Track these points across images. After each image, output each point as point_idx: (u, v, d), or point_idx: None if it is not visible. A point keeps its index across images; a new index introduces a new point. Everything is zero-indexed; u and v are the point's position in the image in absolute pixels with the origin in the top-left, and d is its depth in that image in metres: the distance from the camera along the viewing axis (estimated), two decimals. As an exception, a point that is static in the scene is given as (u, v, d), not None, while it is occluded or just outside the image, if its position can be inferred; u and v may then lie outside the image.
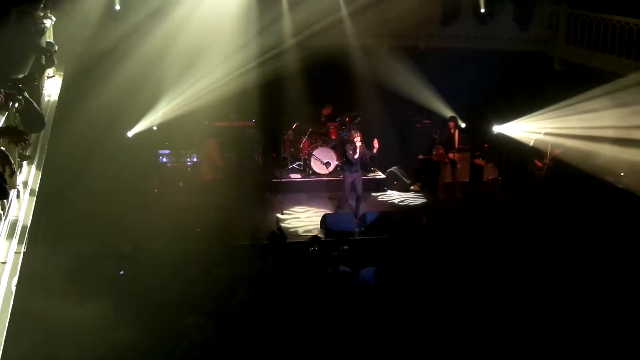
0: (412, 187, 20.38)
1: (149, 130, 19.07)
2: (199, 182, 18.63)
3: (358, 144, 17.10)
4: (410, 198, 19.79)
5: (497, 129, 20.90)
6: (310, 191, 19.55)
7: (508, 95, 20.93)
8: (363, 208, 17.86)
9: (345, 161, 17.40)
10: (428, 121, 21.40)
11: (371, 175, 20.21)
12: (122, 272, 12.55)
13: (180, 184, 18.89)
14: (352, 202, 17.95)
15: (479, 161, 20.69)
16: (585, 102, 18.27)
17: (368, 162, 18.64)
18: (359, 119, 20.62)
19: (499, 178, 21.37)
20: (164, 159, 19.44)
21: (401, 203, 19.41)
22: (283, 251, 13.64)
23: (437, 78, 20.19)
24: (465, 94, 20.35)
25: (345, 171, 17.64)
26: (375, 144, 17.08)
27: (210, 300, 11.44)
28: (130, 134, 18.74)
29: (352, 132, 17.62)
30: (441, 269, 13.20)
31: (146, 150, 19.03)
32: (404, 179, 20.48)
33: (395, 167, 20.67)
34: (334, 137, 20.55)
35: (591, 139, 17.99)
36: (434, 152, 19.90)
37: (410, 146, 21.41)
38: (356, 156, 17.03)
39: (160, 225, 15.94)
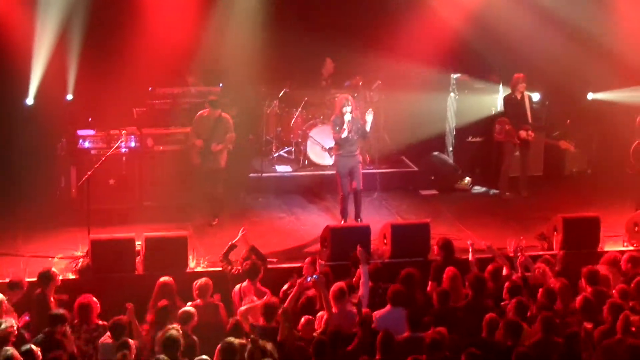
0: (460, 182, 18.27)
1: (60, 98, 17.53)
2: None
3: (348, 115, 15.14)
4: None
5: (593, 96, 19.06)
6: (305, 191, 17.68)
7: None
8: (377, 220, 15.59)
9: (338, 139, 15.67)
10: (482, 85, 19.24)
11: (391, 168, 17.85)
12: None
13: (111, 182, 16.58)
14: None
15: (565, 144, 18.33)
16: None
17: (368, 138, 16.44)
18: (379, 82, 18.62)
19: (588, 171, 19.19)
20: (86, 144, 16.87)
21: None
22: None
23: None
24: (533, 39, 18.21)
25: (334, 155, 16.00)
26: (367, 116, 15.41)
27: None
28: (29, 101, 17.21)
29: (344, 99, 15.54)
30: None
31: (57, 130, 17.20)
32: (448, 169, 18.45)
33: (434, 153, 18.71)
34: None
35: None
36: (496, 129, 17.97)
37: (458, 123, 19.25)
38: (343, 135, 15.27)
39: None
